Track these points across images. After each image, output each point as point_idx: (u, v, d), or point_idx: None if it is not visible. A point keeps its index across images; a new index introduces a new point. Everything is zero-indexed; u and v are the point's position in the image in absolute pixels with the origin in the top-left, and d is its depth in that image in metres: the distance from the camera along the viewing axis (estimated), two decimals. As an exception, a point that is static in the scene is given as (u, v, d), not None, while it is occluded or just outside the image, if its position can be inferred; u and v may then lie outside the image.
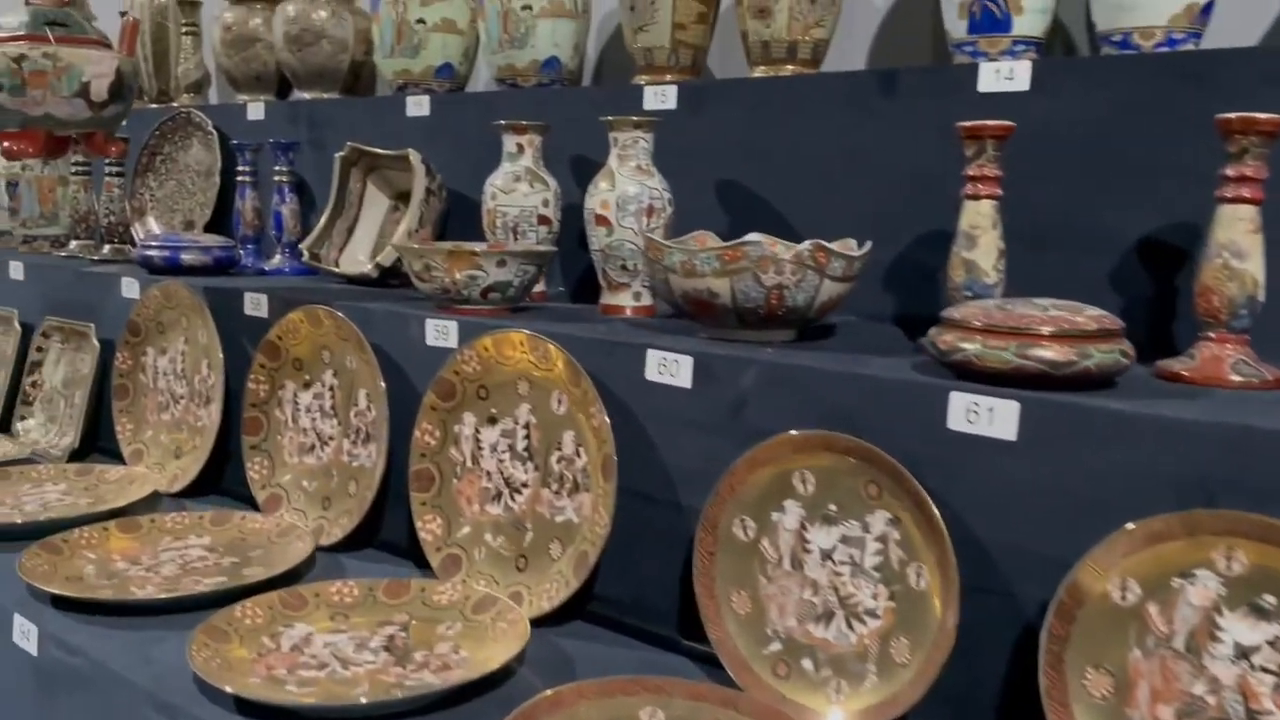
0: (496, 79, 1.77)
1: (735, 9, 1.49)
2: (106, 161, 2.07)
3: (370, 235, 1.85)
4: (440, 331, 1.32)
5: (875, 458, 0.93)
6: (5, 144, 1.47)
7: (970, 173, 1.09)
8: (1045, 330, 0.89)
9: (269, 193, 1.95)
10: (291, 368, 1.48)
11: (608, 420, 1.10)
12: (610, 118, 1.38)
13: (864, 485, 0.94)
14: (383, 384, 1.34)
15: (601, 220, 1.37)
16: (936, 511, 0.88)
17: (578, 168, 1.63)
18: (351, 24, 2.06)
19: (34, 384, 1.92)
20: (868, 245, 1.17)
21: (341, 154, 1.80)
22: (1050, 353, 0.88)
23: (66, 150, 1.77)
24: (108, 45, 1.50)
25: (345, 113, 1.98)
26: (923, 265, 1.30)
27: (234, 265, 1.87)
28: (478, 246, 1.41)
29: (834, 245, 1.16)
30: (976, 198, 1.09)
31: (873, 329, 1.27)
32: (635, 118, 1.37)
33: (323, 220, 1.81)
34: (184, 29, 2.37)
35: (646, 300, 1.41)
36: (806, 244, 1.09)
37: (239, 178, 1.97)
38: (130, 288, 1.77)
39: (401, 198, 1.85)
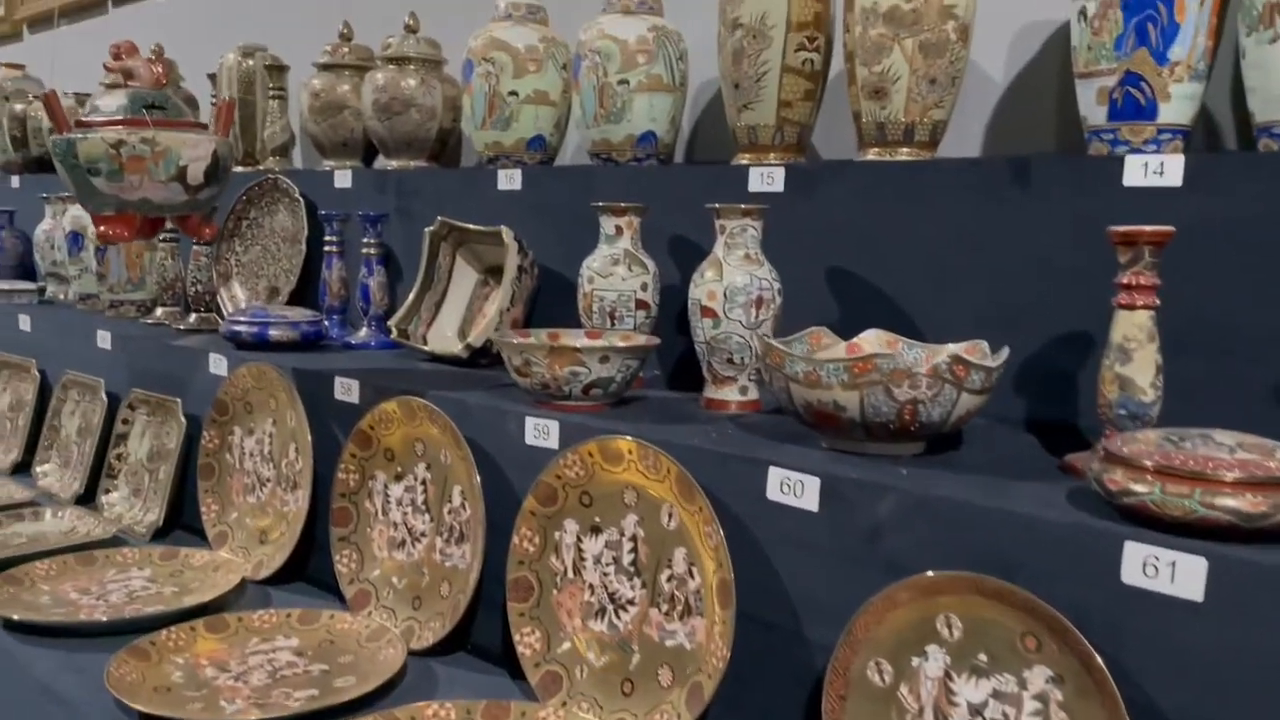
0: (590, 152, 1.73)
1: (847, 89, 1.42)
2: (195, 230, 2.07)
3: (458, 310, 1.81)
4: (540, 431, 1.26)
5: (1035, 608, 0.84)
6: (101, 228, 1.45)
7: (1124, 281, 1.00)
8: (1232, 476, 0.80)
9: (355, 263, 1.93)
10: (383, 458, 1.43)
11: (724, 540, 1.03)
12: (717, 205, 1.31)
13: (1020, 637, 0.86)
14: (478, 482, 1.28)
15: (708, 312, 1.30)
16: (1108, 674, 0.79)
17: (676, 248, 1.57)
18: (440, 92, 2.04)
19: (119, 456, 1.90)
20: (1005, 352, 1.09)
21: (431, 229, 1.77)
22: (1240, 503, 0.79)
23: (159, 231, 1.77)
24: (203, 126, 1.48)
25: (434, 183, 1.94)
26: (1058, 367, 1.21)
27: (320, 339, 1.84)
28: (580, 342, 1.35)
29: (972, 356, 1.08)
30: (1131, 308, 1.00)
31: (1006, 437, 1.18)
32: (743, 206, 1.30)
33: (411, 297, 1.77)
34: (271, 93, 2.38)
35: (754, 395, 1.33)
36: (944, 357, 1.01)
37: (326, 247, 1.95)
38: (218, 364, 1.74)
39: (491, 272, 1.81)
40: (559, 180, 1.74)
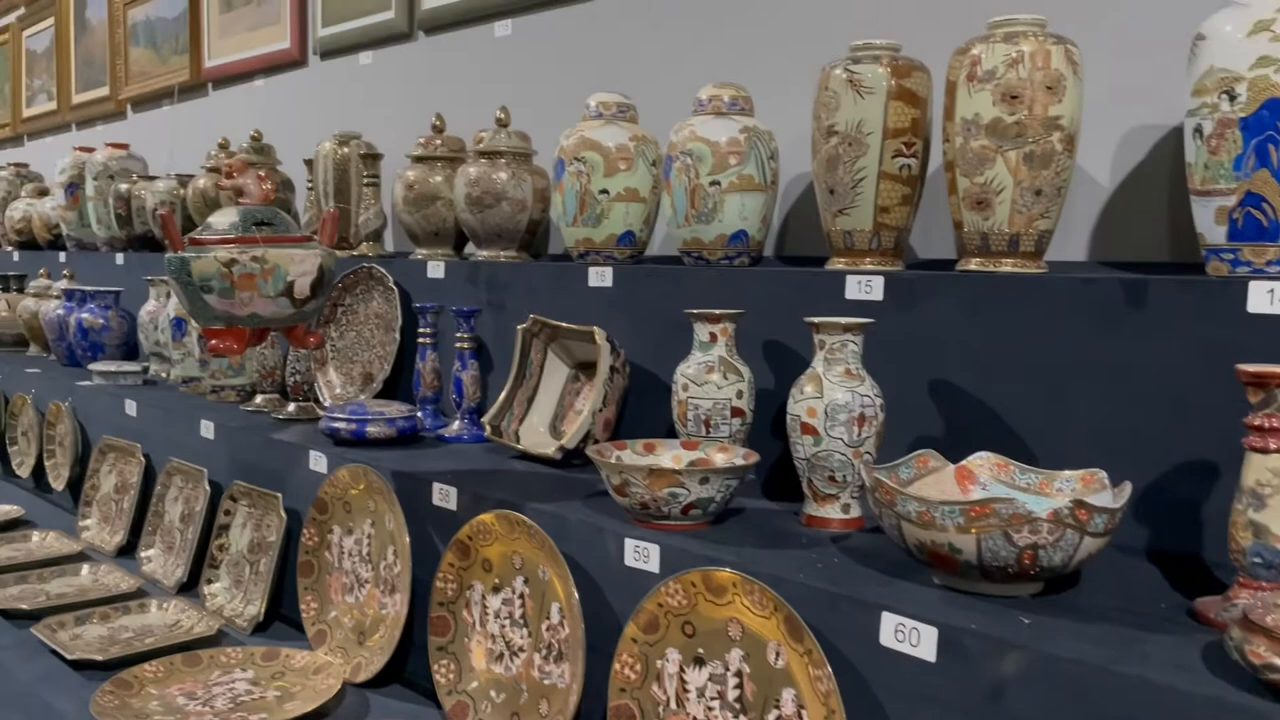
0: (681, 251, 1.73)
1: (948, 198, 1.40)
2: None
3: (550, 405, 1.82)
4: (640, 554, 1.25)
5: (1175, 790, 0.80)
6: (212, 341, 1.49)
7: (1255, 422, 0.96)
8: (1392, 659, 0.75)
9: (448, 354, 1.96)
10: (481, 569, 1.44)
11: (836, 686, 1.01)
12: (816, 320, 1.30)
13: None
14: (577, 601, 1.28)
15: (808, 429, 1.29)
16: None
17: (771, 353, 1.56)
18: (530, 184, 2.07)
19: (221, 546, 1.95)
20: (1127, 490, 1.05)
21: (524, 326, 1.79)
22: (1403, 690, 0.74)
23: (265, 339, 1.82)
24: (309, 239, 1.53)
25: (524, 276, 1.97)
26: (1181, 497, 1.17)
27: (416, 433, 1.86)
28: (676, 459, 1.35)
29: (1090, 485, 1.04)
30: (1264, 451, 0.96)
31: (1128, 572, 1.14)
32: (844, 321, 1.29)
33: (503, 394, 1.79)
34: (366, 180, 2.44)
35: (856, 512, 1.31)
36: (1066, 502, 0.98)
37: (420, 339, 1.98)
38: (318, 461, 1.78)
39: (581, 367, 1.82)
40: (650, 279, 1.74)
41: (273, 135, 2.87)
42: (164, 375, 2.68)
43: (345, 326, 2.29)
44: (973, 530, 0.99)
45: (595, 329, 1.66)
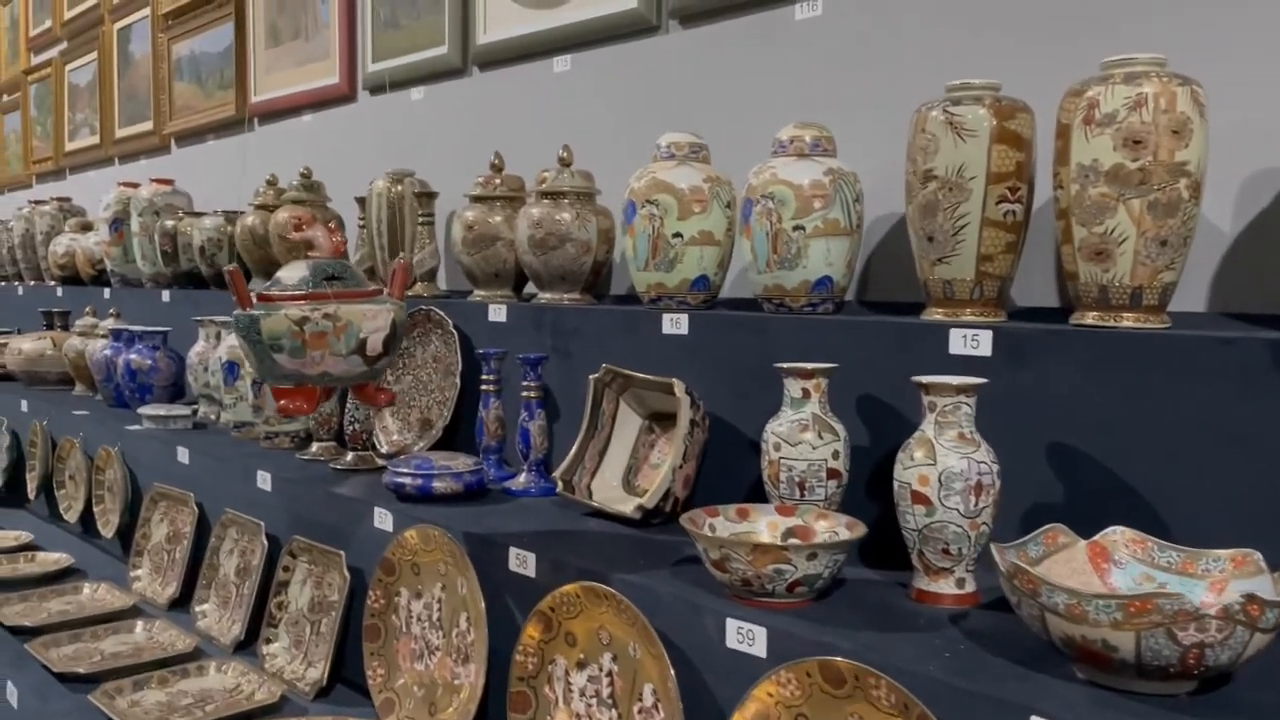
0: (762, 298, 1.66)
1: (1059, 247, 1.32)
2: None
3: (623, 457, 1.75)
4: (745, 635, 1.17)
5: None
6: (281, 401, 1.43)
7: None
8: None
9: (512, 402, 1.89)
10: (564, 643, 1.36)
11: (979, 796, 0.92)
12: (926, 380, 1.22)
13: None
14: (675, 683, 1.20)
15: (919, 498, 1.20)
16: None
17: (864, 408, 1.48)
18: (595, 225, 2.00)
19: (280, 604, 1.88)
20: (1293, 578, 0.96)
21: (596, 376, 1.72)
22: None
23: (333, 396, 1.76)
24: (379, 292, 1.46)
25: (592, 322, 1.90)
26: (1339, 577, 1.07)
27: (483, 488, 1.79)
28: (773, 526, 1.27)
29: (1255, 587, 0.95)
30: None
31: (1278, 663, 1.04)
32: (957, 381, 1.21)
33: (575, 447, 1.72)
34: (421, 219, 2.39)
35: (970, 587, 1.22)
36: (1236, 597, 0.89)
37: (483, 385, 1.92)
38: (383, 519, 1.71)
39: (656, 418, 1.74)
40: (728, 327, 1.67)
41: (322, 172, 2.82)
42: (213, 418, 2.63)
43: (402, 370, 2.23)
44: (1132, 627, 0.90)
45: (674, 381, 1.59)
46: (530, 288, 2.20)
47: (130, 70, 4.12)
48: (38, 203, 4.25)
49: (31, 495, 2.88)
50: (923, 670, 1.02)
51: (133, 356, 2.78)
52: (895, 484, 1.24)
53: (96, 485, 2.57)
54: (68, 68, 4.57)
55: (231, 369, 2.36)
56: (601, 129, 2.26)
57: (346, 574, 1.75)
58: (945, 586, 1.22)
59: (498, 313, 2.07)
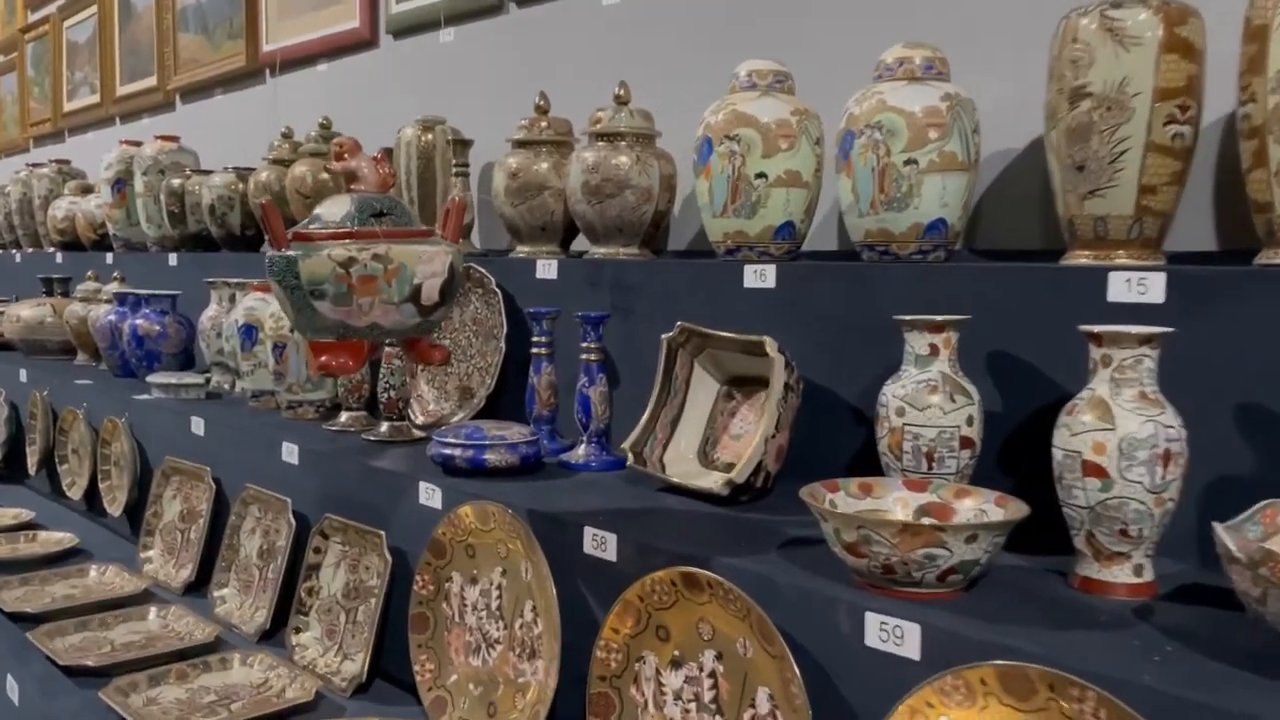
0: (863, 244, 1.45)
1: (1246, 174, 1.12)
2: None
3: (698, 427, 1.55)
4: (889, 632, 0.97)
5: None
6: (322, 358, 1.23)
7: None
8: None
9: (565, 366, 1.69)
10: (655, 637, 1.17)
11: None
12: (1098, 329, 1.02)
13: None
14: (799, 688, 1.00)
15: (1094, 469, 1.01)
16: None
17: (997, 367, 1.28)
18: (656, 170, 1.80)
19: (310, 590, 1.69)
20: None
21: (670, 335, 1.52)
22: None
23: (377, 354, 1.56)
24: (432, 233, 1.26)
25: (660, 277, 1.70)
26: None
27: (539, 460, 1.60)
28: (903, 502, 1.08)
29: None
30: None
31: None
32: (1140, 331, 1.01)
33: (646, 414, 1.52)
34: (455, 169, 2.18)
35: (1149, 575, 1.03)
36: None
37: (534, 349, 1.72)
38: (429, 495, 1.52)
39: (735, 383, 1.55)
40: (824, 278, 1.47)
41: (342, 125, 2.61)
42: (227, 387, 2.44)
43: (439, 335, 2.03)
44: None
45: (765, 340, 1.39)
46: (579, 243, 2.01)
47: (132, 24, 3.90)
48: (35, 165, 4.04)
49: (32, 471, 2.68)
50: (1136, 680, 0.82)
51: (139, 322, 2.58)
52: (1058, 453, 1.05)
53: (102, 460, 2.37)
54: (66, 24, 4.34)
55: (249, 332, 2.16)
56: (656, 68, 2.05)
57: (387, 556, 1.55)
58: (1120, 574, 1.03)
59: (547, 269, 1.87)
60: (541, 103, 2.01)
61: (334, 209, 1.21)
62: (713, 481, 1.40)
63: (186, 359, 2.64)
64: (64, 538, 2.23)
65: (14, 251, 4.11)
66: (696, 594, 1.12)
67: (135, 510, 2.26)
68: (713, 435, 1.55)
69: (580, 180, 1.80)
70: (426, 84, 2.61)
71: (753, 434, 1.44)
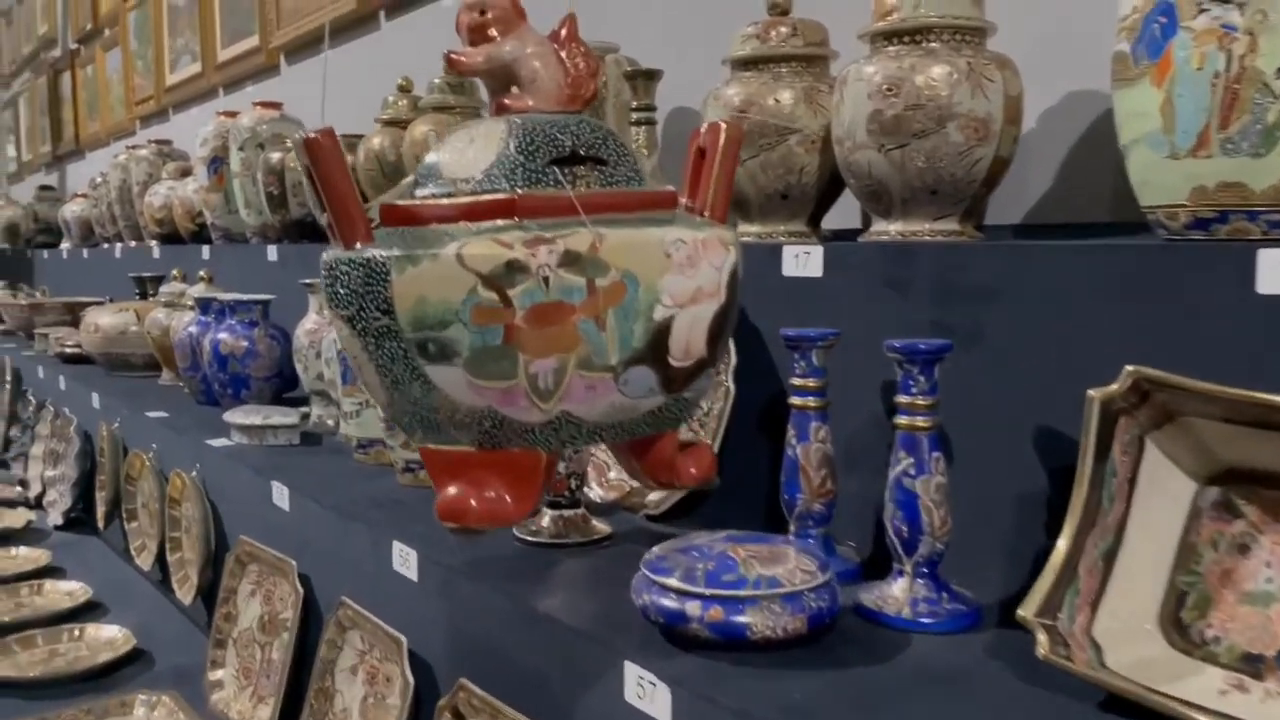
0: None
1: None
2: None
3: (1158, 568, 0.81)
4: None
5: None
6: (448, 493, 0.54)
7: None
8: None
9: (844, 425, 0.98)
10: None
11: None
12: None
13: None
14: None
15: None
16: None
17: None
18: (999, 88, 1.05)
19: None
20: None
21: (1105, 392, 0.78)
22: None
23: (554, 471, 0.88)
24: (674, 199, 0.55)
25: (1032, 271, 0.96)
26: None
27: (836, 618, 0.89)
28: None
29: None
30: None
31: None
32: None
33: (1062, 544, 0.79)
34: (635, 116, 1.49)
35: None
36: None
37: (794, 398, 1.01)
38: (646, 692, 0.82)
39: (1232, 481, 0.79)
40: None
41: (474, 66, 1.95)
42: (331, 424, 1.81)
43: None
44: None
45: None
46: (840, 217, 1.29)
47: (232, -24, 3.36)
48: (134, 147, 3.56)
49: (100, 524, 2.15)
50: None
51: (222, 336, 1.99)
52: None
53: (170, 524, 1.79)
54: (166, -15, 3.85)
55: (351, 358, 1.51)
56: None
57: (568, 785, 0.87)
58: None
59: (803, 261, 1.15)
60: (782, 0, 1.28)
61: (469, 153, 0.53)
62: (1210, 688, 0.66)
63: (283, 383, 2.03)
64: (118, 636, 1.65)
65: (115, 245, 3.65)
66: None
67: (211, 594, 1.66)
68: (1194, 587, 0.80)
69: (864, 111, 1.07)
70: (588, 6, 1.91)
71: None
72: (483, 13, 0.57)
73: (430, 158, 0.54)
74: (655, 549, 0.89)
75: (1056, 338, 0.93)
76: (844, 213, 1.32)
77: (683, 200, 0.60)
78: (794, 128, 1.22)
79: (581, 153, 0.51)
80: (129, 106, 4.32)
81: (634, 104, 1.50)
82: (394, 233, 0.51)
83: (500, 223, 0.48)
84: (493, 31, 0.57)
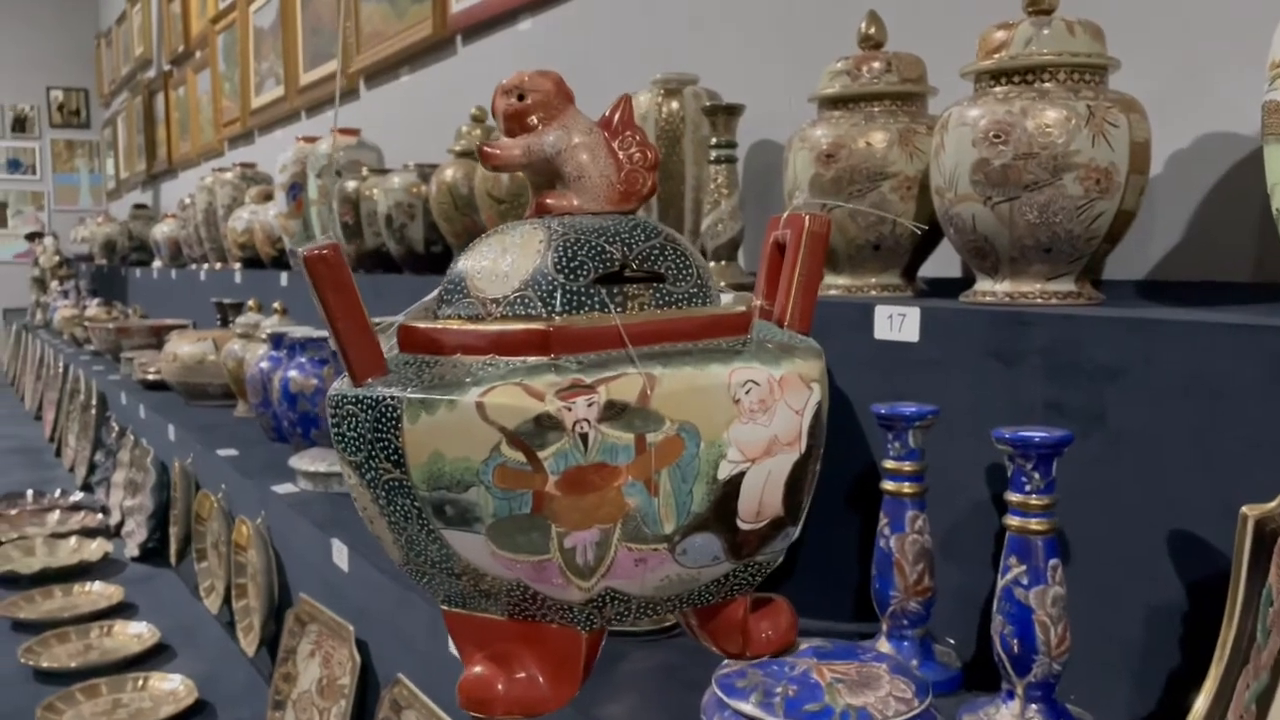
0: None
1: None
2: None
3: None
4: None
5: None
6: (474, 671, 0.46)
7: None
8: None
9: (944, 518, 0.87)
10: None
11: None
12: None
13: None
14: None
15: None
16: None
17: None
18: (1124, 133, 0.93)
19: None
20: None
21: (1263, 511, 0.65)
22: None
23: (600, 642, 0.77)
24: (748, 319, 0.46)
25: (1167, 344, 0.83)
26: None
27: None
28: None
29: None
30: None
31: None
32: None
33: (1214, 676, 0.67)
34: (715, 154, 1.39)
35: None
36: None
37: (887, 481, 0.90)
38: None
39: None
40: None
41: (547, 95, 1.88)
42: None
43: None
44: None
45: None
46: (939, 267, 1.18)
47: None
48: (220, 170, 3.60)
49: (173, 561, 2.13)
50: None
51: (292, 374, 1.95)
52: None
53: (236, 570, 1.75)
54: (251, 9, 3.89)
55: (414, 408, 1.45)
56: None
57: None
58: None
59: (898, 322, 1.04)
60: (872, 31, 1.17)
61: (501, 265, 0.44)
62: None
63: (352, 420, 1.99)
64: (179, 689, 1.62)
65: (200, 267, 3.70)
66: None
67: (274, 645, 1.62)
68: (1365, 739, 0.67)
69: (969, 159, 0.96)
70: (666, 35, 1.83)
71: None
72: (521, 98, 0.48)
73: (460, 265, 0.46)
74: (733, 670, 0.79)
75: (1192, 427, 0.80)
76: (944, 260, 1.20)
77: (757, 302, 0.51)
78: (888, 173, 1.11)
79: (634, 266, 0.42)
80: (217, 128, 4.39)
81: (713, 140, 1.40)
82: (412, 362, 0.43)
83: (531, 360, 0.39)
84: (533, 119, 0.48)
